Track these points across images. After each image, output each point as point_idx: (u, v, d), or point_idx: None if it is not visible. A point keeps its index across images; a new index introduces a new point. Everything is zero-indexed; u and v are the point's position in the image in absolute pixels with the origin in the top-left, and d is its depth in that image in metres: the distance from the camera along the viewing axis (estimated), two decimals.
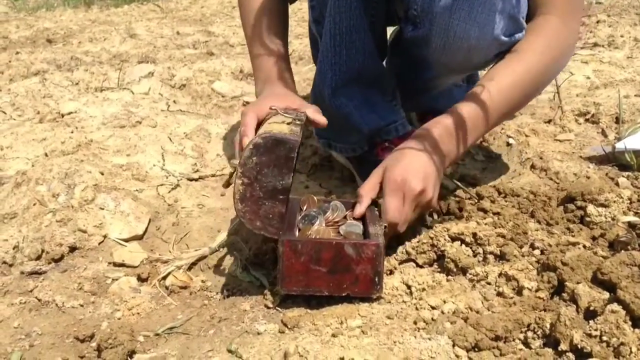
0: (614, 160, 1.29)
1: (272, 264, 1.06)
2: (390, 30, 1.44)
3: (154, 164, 1.46)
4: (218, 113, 1.93)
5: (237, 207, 0.90)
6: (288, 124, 0.97)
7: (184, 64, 2.49)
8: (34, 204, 1.22)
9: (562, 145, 1.43)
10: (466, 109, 1.05)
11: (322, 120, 1.06)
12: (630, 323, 0.74)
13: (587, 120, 1.56)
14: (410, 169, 0.98)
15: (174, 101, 2.01)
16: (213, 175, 1.45)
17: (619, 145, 1.29)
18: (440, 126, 1.04)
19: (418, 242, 1.04)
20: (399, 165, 0.99)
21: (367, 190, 1.01)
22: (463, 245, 0.99)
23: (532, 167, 1.30)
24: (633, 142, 1.28)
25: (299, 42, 2.96)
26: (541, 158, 1.32)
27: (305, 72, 2.50)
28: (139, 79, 2.20)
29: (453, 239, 1.01)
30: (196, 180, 1.43)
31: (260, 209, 0.90)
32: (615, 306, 0.76)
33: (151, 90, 2.08)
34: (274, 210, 0.91)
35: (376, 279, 0.90)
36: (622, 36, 2.27)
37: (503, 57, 1.13)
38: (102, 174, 1.34)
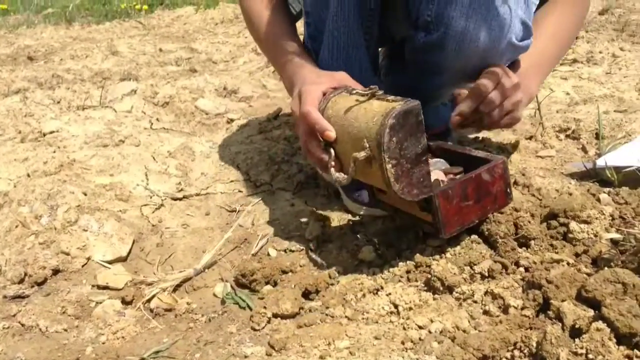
0: (595, 176, 1.31)
1: (259, 284, 1.06)
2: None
3: (138, 183, 1.45)
4: (202, 131, 1.93)
5: (395, 189, 0.92)
6: (363, 101, 0.97)
7: (167, 82, 2.48)
8: (16, 226, 1.21)
9: (544, 162, 1.44)
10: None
11: None
12: (615, 341, 0.75)
13: (567, 136, 1.58)
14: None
15: (157, 119, 2.01)
16: (197, 195, 1.44)
17: (600, 162, 1.30)
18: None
19: (404, 259, 1.05)
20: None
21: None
22: (449, 264, 0.99)
23: (515, 183, 1.32)
24: (613, 158, 1.30)
25: None
26: (523, 174, 1.34)
27: None
28: (122, 97, 2.19)
29: (439, 257, 1.02)
30: (180, 199, 1.42)
31: (413, 179, 0.94)
32: (600, 324, 0.77)
33: (134, 108, 2.08)
34: (423, 173, 0.94)
35: (508, 190, 1.05)
36: (600, 52, 2.31)
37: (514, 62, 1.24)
38: (85, 194, 1.32)
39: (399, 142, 0.91)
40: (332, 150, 1.00)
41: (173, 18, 4.71)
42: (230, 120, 2.04)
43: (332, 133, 0.97)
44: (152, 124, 1.95)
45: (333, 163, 0.99)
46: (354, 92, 1.01)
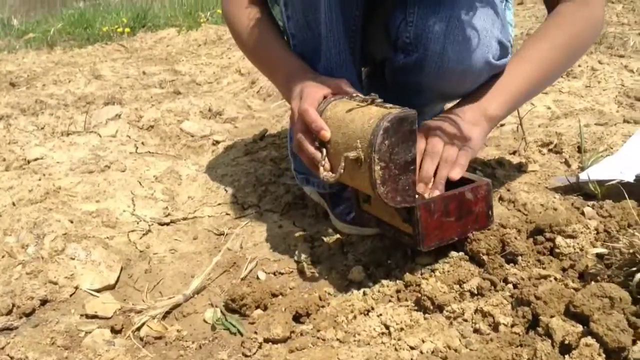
0: (579, 190, 1.33)
1: (249, 309, 1.05)
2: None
3: (124, 209, 1.44)
4: (188, 153, 1.93)
5: (380, 191, 0.93)
6: (363, 106, 0.98)
7: (152, 104, 2.48)
8: (3, 256, 1.20)
9: (528, 176, 1.46)
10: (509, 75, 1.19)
11: None
12: (604, 356, 0.76)
13: (550, 150, 1.60)
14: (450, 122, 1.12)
15: (142, 143, 2.00)
16: (184, 219, 1.44)
17: (583, 176, 1.32)
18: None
19: (394, 279, 1.06)
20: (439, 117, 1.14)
21: None
22: (439, 282, 1.00)
23: (500, 199, 1.33)
24: (596, 172, 1.32)
25: (266, 78, 2.98)
26: (508, 190, 1.35)
27: (273, 109, 2.52)
28: (106, 122, 2.18)
29: (429, 276, 1.03)
30: (168, 224, 1.42)
31: (398, 185, 0.95)
32: (589, 339, 0.78)
33: (119, 133, 2.07)
34: (409, 182, 0.96)
35: (490, 212, 1.07)
36: (579, 66, 2.35)
37: (492, 80, 1.20)
38: (72, 222, 1.32)
39: (390, 146, 0.92)
40: (324, 150, 1.01)
41: (156, 40, 4.71)
42: (216, 142, 2.04)
43: (327, 133, 0.99)
44: (137, 147, 1.95)
45: (324, 162, 1.00)
46: (355, 97, 1.03)
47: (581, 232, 1.06)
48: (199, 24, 5.07)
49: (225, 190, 1.56)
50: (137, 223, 1.40)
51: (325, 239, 1.28)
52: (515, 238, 1.05)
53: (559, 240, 1.05)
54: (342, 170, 0.97)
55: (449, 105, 1.33)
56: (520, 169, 1.50)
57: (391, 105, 0.97)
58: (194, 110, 2.43)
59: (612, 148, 1.51)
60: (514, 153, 1.62)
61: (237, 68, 3.42)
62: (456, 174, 1.07)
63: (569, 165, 1.51)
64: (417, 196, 0.99)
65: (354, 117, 0.97)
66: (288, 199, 1.47)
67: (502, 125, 1.87)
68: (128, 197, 1.49)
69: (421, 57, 1.18)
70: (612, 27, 3.78)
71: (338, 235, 1.28)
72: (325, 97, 1.05)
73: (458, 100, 1.24)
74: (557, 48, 1.20)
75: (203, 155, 1.89)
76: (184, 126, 2.21)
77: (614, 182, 1.24)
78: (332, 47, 1.16)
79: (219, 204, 1.50)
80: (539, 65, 1.19)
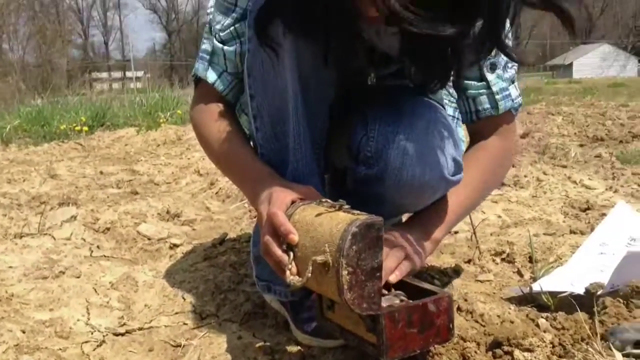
0: (532, 300, 1.37)
1: None
2: None
3: (79, 318, 1.40)
4: (144, 258, 1.91)
5: (346, 297, 0.92)
6: (331, 211, 1.00)
7: (108, 206, 2.47)
8: None
9: (483, 286, 1.50)
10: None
11: None
12: None
13: (503, 259, 1.66)
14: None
15: (98, 246, 1.98)
16: (140, 329, 1.40)
17: (535, 287, 1.37)
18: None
19: None
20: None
21: None
22: None
23: (459, 309, 1.35)
24: (547, 283, 1.37)
25: (226, 180, 3.02)
26: (466, 300, 1.38)
27: (232, 211, 2.53)
28: (61, 224, 2.15)
29: None
30: (123, 334, 1.38)
31: (365, 291, 0.94)
32: None
33: (73, 235, 2.04)
34: (375, 288, 0.95)
35: (451, 326, 1.04)
36: (525, 176, 2.48)
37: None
38: (24, 332, 1.27)
39: (358, 252, 0.93)
40: (291, 253, 1.01)
41: (114, 139, 4.74)
42: (174, 246, 2.03)
43: (295, 236, 1.00)
44: (92, 251, 1.92)
45: (291, 266, 1.00)
46: (324, 202, 1.05)
47: (537, 346, 1.09)
48: (159, 124, 5.15)
49: (183, 298, 1.54)
50: (92, 333, 1.35)
51: (286, 351, 1.26)
52: (476, 352, 1.07)
53: (517, 353, 1.07)
54: (309, 275, 0.97)
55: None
56: (476, 278, 1.55)
57: (358, 212, 1.00)
58: (152, 212, 2.42)
59: (561, 259, 1.57)
60: (469, 262, 1.66)
61: (196, 168, 3.46)
62: (394, 277, 1.10)
63: (521, 275, 1.56)
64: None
65: (322, 221, 0.99)
66: (248, 308, 1.45)
67: (456, 232, 1.93)
68: (83, 305, 1.46)
69: (382, 171, 1.23)
70: (553, 139, 4.02)
71: (299, 347, 1.27)
72: (293, 202, 1.07)
73: (406, 219, 1.30)
74: (487, 174, 1.33)
75: (160, 260, 1.87)
76: (140, 229, 2.19)
77: (565, 294, 1.29)
78: (300, 158, 1.21)
79: (177, 313, 1.47)
80: (472, 190, 1.30)
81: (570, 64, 45.05)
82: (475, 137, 1.35)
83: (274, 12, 1.05)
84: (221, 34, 1.23)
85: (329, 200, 1.06)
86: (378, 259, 0.97)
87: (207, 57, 1.28)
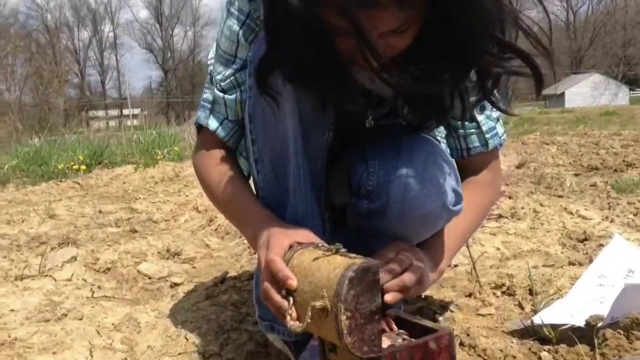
0: (534, 333, 1.38)
1: None
2: None
3: None
4: (146, 297, 1.91)
5: (347, 341, 0.93)
6: (328, 255, 1.01)
7: (108, 245, 2.48)
8: None
9: (485, 320, 1.51)
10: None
11: None
12: None
13: (503, 292, 1.67)
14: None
15: (99, 287, 1.98)
16: None
17: (536, 319, 1.38)
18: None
19: None
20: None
21: None
22: None
23: (461, 344, 1.36)
24: (548, 315, 1.38)
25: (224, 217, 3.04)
26: (468, 335, 1.39)
27: (232, 247, 2.54)
28: (62, 265, 2.16)
29: None
30: None
31: (364, 334, 0.94)
32: None
33: (74, 276, 2.05)
34: (374, 331, 0.96)
35: None
36: (522, 208, 2.50)
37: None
38: None
39: (355, 296, 0.94)
40: (291, 299, 1.02)
41: (112, 177, 4.76)
42: (174, 284, 2.03)
43: (293, 282, 1.01)
44: (93, 292, 1.92)
45: (291, 311, 1.01)
46: (321, 246, 1.06)
47: None
48: (156, 161, 5.18)
49: (186, 338, 1.54)
50: None
51: None
52: None
53: None
54: (309, 320, 0.99)
55: None
56: (477, 312, 1.55)
57: (355, 255, 1.01)
58: (152, 250, 2.43)
59: (561, 291, 1.59)
60: (469, 295, 1.67)
61: (195, 205, 3.48)
62: (391, 297, 1.11)
63: (522, 308, 1.57)
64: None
65: (319, 266, 1.01)
66: (251, 347, 1.46)
67: (455, 265, 1.94)
68: (86, 347, 1.45)
69: (384, 204, 1.26)
70: (549, 168, 4.06)
71: None
72: (291, 246, 1.09)
73: None
74: (482, 207, 1.40)
75: (162, 300, 1.87)
76: (141, 268, 2.20)
77: (566, 326, 1.30)
78: (300, 200, 1.23)
79: (180, 354, 1.47)
80: (470, 221, 1.37)
81: (562, 94, 45.54)
82: (466, 172, 1.39)
83: (274, 64, 1.08)
84: (222, 83, 1.27)
85: (325, 244, 1.07)
86: (376, 301, 0.97)
87: (209, 105, 1.31)
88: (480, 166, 1.38)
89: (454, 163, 1.43)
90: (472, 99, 1.15)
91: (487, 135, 1.34)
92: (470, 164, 1.38)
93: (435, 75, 1.05)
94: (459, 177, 1.35)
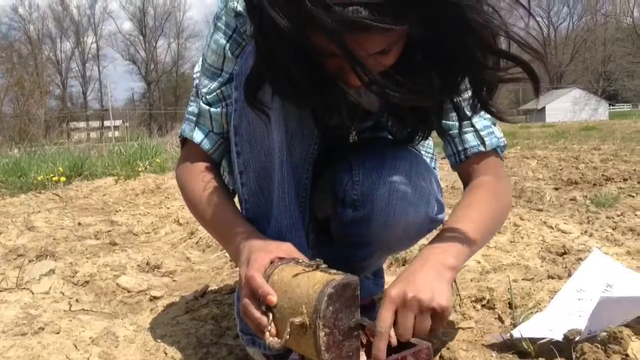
0: (513, 347, 1.38)
1: None
2: None
3: None
4: (124, 311, 1.89)
5: (325, 358, 0.93)
6: (308, 271, 1.00)
7: (87, 258, 2.45)
8: None
9: (465, 334, 1.51)
10: (458, 226, 1.17)
11: None
12: None
13: (483, 306, 1.67)
14: (407, 281, 1.05)
15: (77, 300, 1.95)
16: None
17: (515, 333, 1.38)
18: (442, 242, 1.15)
19: None
20: (394, 283, 1.06)
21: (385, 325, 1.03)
22: None
23: (441, 357, 1.36)
24: (527, 329, 1.38)
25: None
26: (448, 349, 1.39)
27: (213, 261, 2.53)
28: (39, 277, 2.13)
29: None
30: None
31: (343, 351, 0.95)
32: None
33: (52, 289, 2.02)
34: (352, 347, 0.96)
35: None
36: None
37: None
38: None
39: (334, 312, 0.95)
40: (270, 315, 1.02)
41: (92, 189, 4.72)
42: (154, 298, 2.01)
43: (273, 298, 1.01)
44: (71, 305, 1.89)
45: (270, 327, 1.01)
46: (302, 262, 1.06)
47: None
48: (137, 173, 5.15)
49: (165, 352, 1.52)
50: None
51: None
52: None
53: None
54: (287, 336, 0.98)
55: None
56: (458, 325, 1.56)
57: (335, 271, 1.01)
58: (131, 263, 2.41)
59: (540, 304, 1.59)
60: None
61: (176, 218, 3.46)
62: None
63: (502, 321, 1.57)
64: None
65: (299, 282, 1.01)
66: None
67: None
68: None
69: (369, 212, 1.27)
70: (529, 182, 4.10)
71: None
72: (272, 262, 1.08)
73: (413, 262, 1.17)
74: (488, 209, 1.25)
75: (141, 314, 1.85)
76: (120, 281, 2.17)
77: (544, 340, 1.31)
78: (284, 211, 1.23)
79: None
80: (476, 230, 1.20)
81: (543, 108, 46.16)
82: (467, 178, 1.32)
83: (263, 79, 1.08)
84: (208, 96, 1.27)
85: (306, 260, 1.07)
86: (355, 317, 0.98)
87: (194, 118, 1.31)
88: (481, 170, 1.30)
89: (437, 174, 1.44)
90: (467, 108, 1.16)
91: (482, 133, 1.28)
92: (470, 167, 1.30)
93: (427, 86, 1.06)
94: (441, 186, 1.37)
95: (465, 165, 1.31)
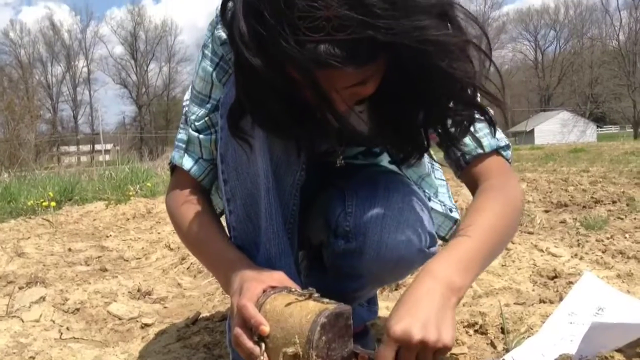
0: None
1: None
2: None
3: None
4: (115, 339, 1.87)
5: None
6: (301, 300, 0.99)
7: (78, 285, 2.43)
8: None
9: None
10: (462, 244, 1.08)
11: None
12: None
13: (476, 331, 1.67)
14: (411, 315, 0.96)
15: (67, 328, 1.93)
16: None
17: (508, 359, 1.38)
18: (443, 262, 1.05)
19: None
20: (397, 313, 0.98)
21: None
22: None
23: None
24: (520, 354, 1.38)
25: None
26: None
27: (204, 287, 2.51)
28: (30, 305, 2.11)
29: None
30: None
31: None
32: None
33: (42, 317, 2.00)
34: None
35: None
36: None
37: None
38: None
39: (327, 342, 0.94)
40: (263, 345, 1.02)
41: (82, 214, 4.70)
42: (145, 325, 2.00)
43: (266, 327, 1.00)
44: (61, 333, 1.88)
45: (262, 357, 1.00)
46: (294, 291, 1.06)
47: None
48: (128, 198, 5.13)
49: None
50: None
51: None
52: None
53: None
54: None
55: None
56: (450, 351, 1.55)
57: (328, 300, 1.01)
58: (122, 290, 2.39)
59: (532, 329, 1.60)
60: None
61: (167, 243, 3.44)
62: None
63: (494, 347, 1.57)
64: None
65: (292, 311, 1.00)
66: None
67: None
68: None
69: (361, 244, 1.27)
70: None
71: None
72: (264, 291, 1.08)
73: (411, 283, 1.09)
74: (494, 218, 1.16)
75: (132, 342, 1.83)
76: (111, 308, 2.16)
77: None
78: (272, 238, 1.23)
79: None
80: (481, 242, 1.12)
81: (532, 131, 46.58)
82: (473, 185, 1.26)
83: (244, 110, 1.09)
84: (196, 123, 1.28)
85: (298, 289, 1.07)
86: (347, 347, 0.98)
87: (183, 145, 1.31)
88: (485, 174, 1.24)
89: (429, 204, 1.44)
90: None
91: (478, 135, 1.22)
92: (473, 173, 1.25)
93: (404, 115, 1.08)
94: (433, 218, 1.37)
95: (468, 171, 1.26)
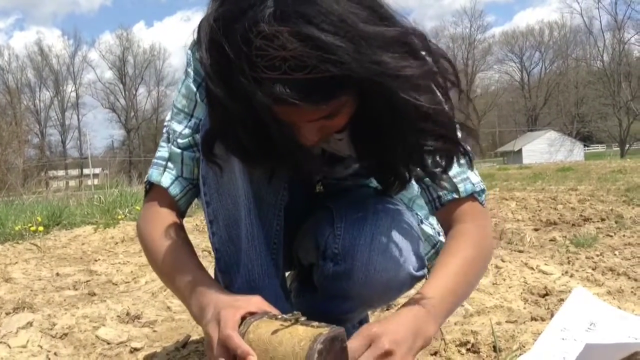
0: None
1: None
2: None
3: None
4: None
5: None
6: (287, 326, 0.97)
7: (66, 310, 2.40)
8: None
9: None
10: (430, 292, 1.10)
11: None
12: None
13: (468, 350, 1.66)
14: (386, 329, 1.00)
15: (55, 353, 1.90)
16: None
17: None
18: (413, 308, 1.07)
19: None
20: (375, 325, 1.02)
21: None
22: None
23: None
24: None
25: None
26: None
27: None
28: (17, 330, 2.07)
29: None
30: None
31: None
32: None
33: (29, 343, 1.97)
34: None
35: None
36: None
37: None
38: None
39: None
40: None
41: (70, 238, 4.65)
42: (134, 350, 1.97)
43: (254, 358, 0.96)
44: (49, 359, 1.85)
45: None
46: (278, 317, 1.02)
47: None
48: (117, 221, 5.09)
49: None
50: None
51: None
52: None
53: None
54: None
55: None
56: None
57: (317, 323, 0.98)
58: (111, 314, 2.36)
59: (524, 346, 1.59)
60: (435, 354, 1.66)
61: None
62: None
63: None
64: None
65: (281, 339, 0.96)
66: None
67: None
68: None
69: (349, 267, 1.26)
70: (509, 224, 4.14)
71: None
72: (243, 318, 1.02)
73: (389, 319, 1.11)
74: (464, 263, 1.20)
75: None
76: (99, 333, 2.13)
77: None
78: (254, 259, 1.22)
79: None
80: (453, 282, 1.16)
81: (520, 150, 46.93)
82: (447, 226, 1.28)
83: (217, 136, 1.08)
84: (179, 140, 1.27)
85: (281, 314, 1.03)
86: None
87: (163, 163, 1.29)
88: (459, 217, 1.25)
89: (418, 227, 1.44)
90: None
91: (455, 180, 1.22)
92: (446, 215, 1.26)
93: (383, 147, 1.09)
94: (422, 240, 1.37)
95: (442, 212, 1.27)
